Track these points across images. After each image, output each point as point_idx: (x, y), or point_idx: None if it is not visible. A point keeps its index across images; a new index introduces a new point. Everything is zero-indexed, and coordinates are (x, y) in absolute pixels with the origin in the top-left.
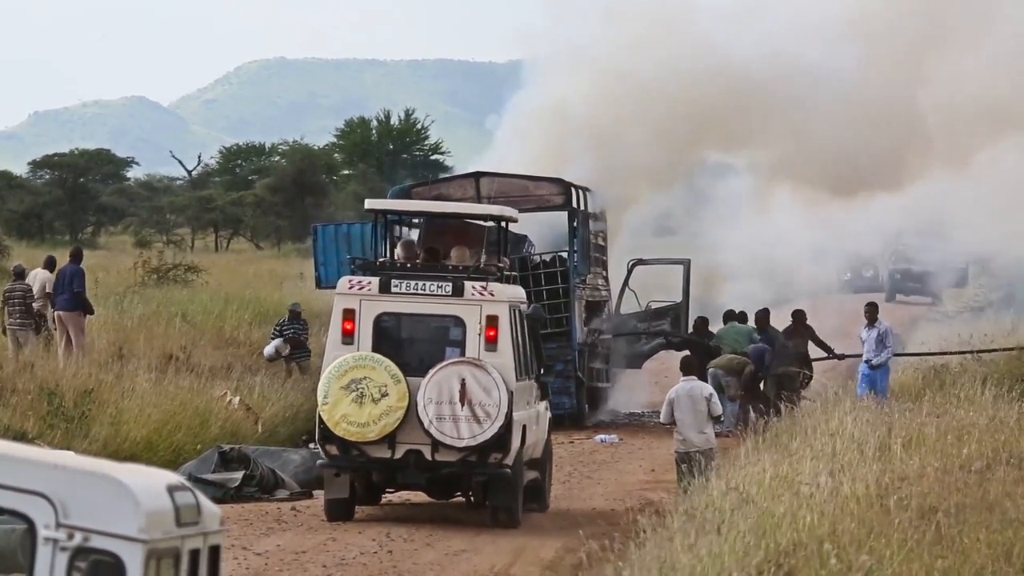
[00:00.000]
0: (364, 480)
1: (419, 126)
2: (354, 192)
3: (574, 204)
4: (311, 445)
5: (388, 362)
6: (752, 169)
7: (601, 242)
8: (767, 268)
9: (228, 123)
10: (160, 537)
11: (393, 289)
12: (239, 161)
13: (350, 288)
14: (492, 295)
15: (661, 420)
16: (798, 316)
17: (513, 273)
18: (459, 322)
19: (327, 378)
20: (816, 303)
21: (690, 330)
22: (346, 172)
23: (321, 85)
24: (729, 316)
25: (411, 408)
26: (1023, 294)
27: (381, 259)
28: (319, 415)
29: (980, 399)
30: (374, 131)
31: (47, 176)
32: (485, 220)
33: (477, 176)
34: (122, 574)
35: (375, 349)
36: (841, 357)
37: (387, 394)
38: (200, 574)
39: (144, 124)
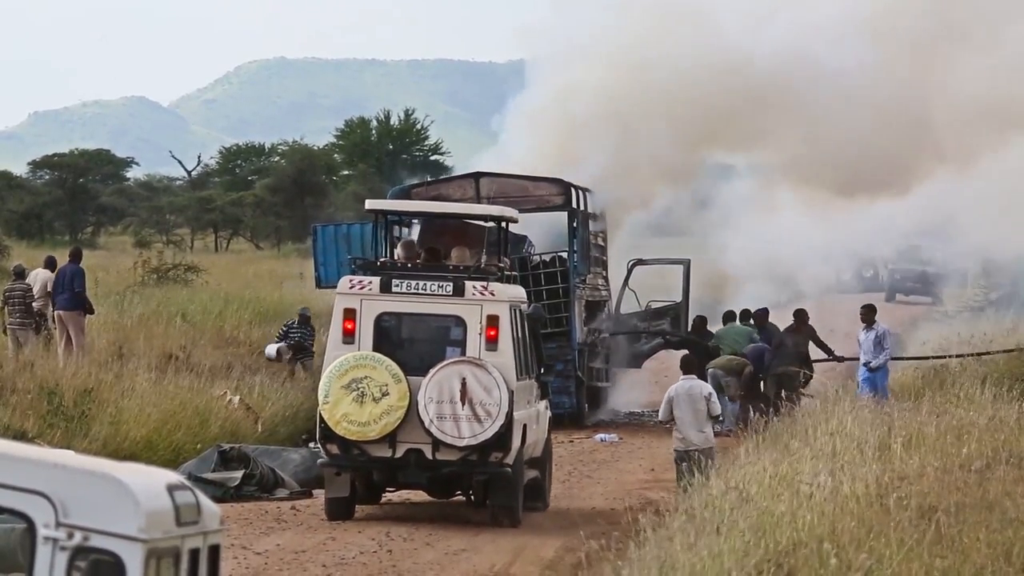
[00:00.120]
0: (365, 479)
1: (419, 126)
2: (354, 192)
3: (574, 204)
4: (311, 444)
5: (389, 361)
6: (761, 168)
7: (601, 242)
8: (775, 269)
9: (228, 123)
10: (160, 536)
11: (394, 289)
12: (239, 161)
13: (351, 288)
14: (493, 295)
15: (659, 418)
16: (800, 315)
17: (513, 273)
18: (460, 322)
19: (328, 377)
20: (825, 304)
21: (689, 330)
22: (346, 172)
23: (321, 85)
24: (728, 317)
25: (412, 407)
26: None
27: (382, 259)
28: (320, 414)
29: (980, 399)
30: (374, 131)
31: (47, 176)
32: (486, 220)
33: (477, 176)
34: (122, 573)
35: (376, 349)
36: (840, 359)
37: (388, 393)
38: (200, 573)
39: (144, 124)
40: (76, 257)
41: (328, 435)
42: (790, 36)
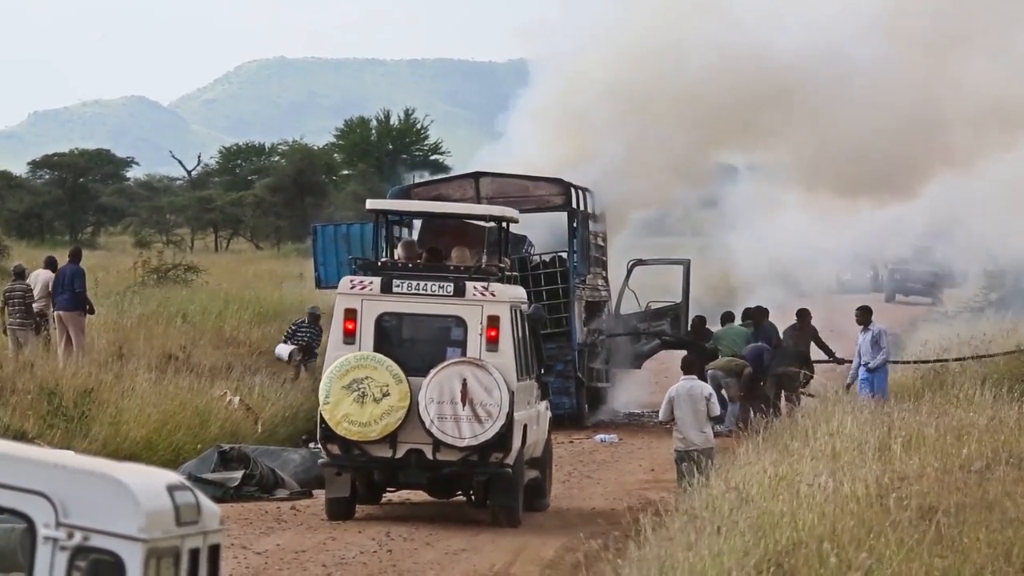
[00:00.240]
0: (365, 479)
1: (419, 126)
2: (354, 192)
3: (574, 204)
4: (311, 444)
5: (389, 362)
6: (770, 168)
7: (601, 242)
8: (784, 271)
9: (228, 123)
10: (160, 536)
11: (394, 289)
12: (239, 161)
13: (352, 288)
14: (493, 295)
15: (660, 418)
16: (803, 315)
17: (514, 273)
18: (460, 322)
19: (329, 378)
20: (835, 305)
21: (688, 331)
22: (346, 172)
23: (321, 85)
24: (727, 317)
25: (412, 408)
26: None
27: (382, 259)
28: (320, 415)
29: (980, 399)
30: (374, 131)
31: (47, 176)
32: (487, 221)
33: (476, 176)
34: (122, 573)
35: (376, 349)
36: (840, 361)
37: (388, 394)
38: (200, 573)
39: (144, 124)
40: (76, 257)
41: (329, 435)
42: (805, 31)
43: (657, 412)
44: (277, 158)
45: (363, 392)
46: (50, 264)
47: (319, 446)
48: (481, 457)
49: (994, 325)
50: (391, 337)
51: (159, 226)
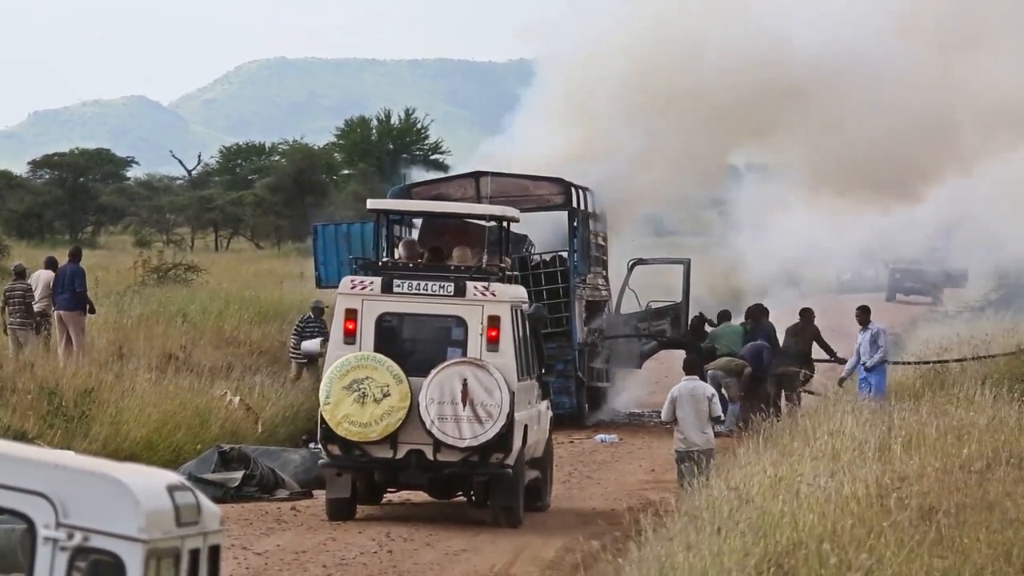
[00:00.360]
0: (366, 480)
1: (419, 126)
2: (354, 192)
3: (574, 204)
4: (311, 445)
5: (390, 362)
6: (780, 168)
7: (601, 242)
8: (794, 271)
9: (228, 123)
10: (160, 537)
11: (395, 289)
12: (239, 161)
13: (352, 288)
14: (494, 295)
15: (662, 418)
16: (806, 314)
17: (514, 273)
18: (461, 322)
19: (329, 378)
20: (847, 306)
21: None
22: (346, 172)
23: (321, 85)
24: (723, 316)
25: (413, 408)
26: None
27: (383, 259)
28: (321, 415)
29: (980, 399)
30: (374, 131)
31: (47, 176)
32: (487, 220)
33: (477, 176)
34: (122, 574)
35: (377, 349)
36: (842, 361)
37: (389, 394)
38: (200, 574)
39: (144, 124)
40: (76, 257)
41: (329, 436)
42: (819, 29)
43: (658, 412)
44: (277, 158)
45: (363, 392)
46: (50, 264)
47: (319, 446)
48: (481, 457)
49: (995, 325)
50: (392, 337)
51: (159, 226)
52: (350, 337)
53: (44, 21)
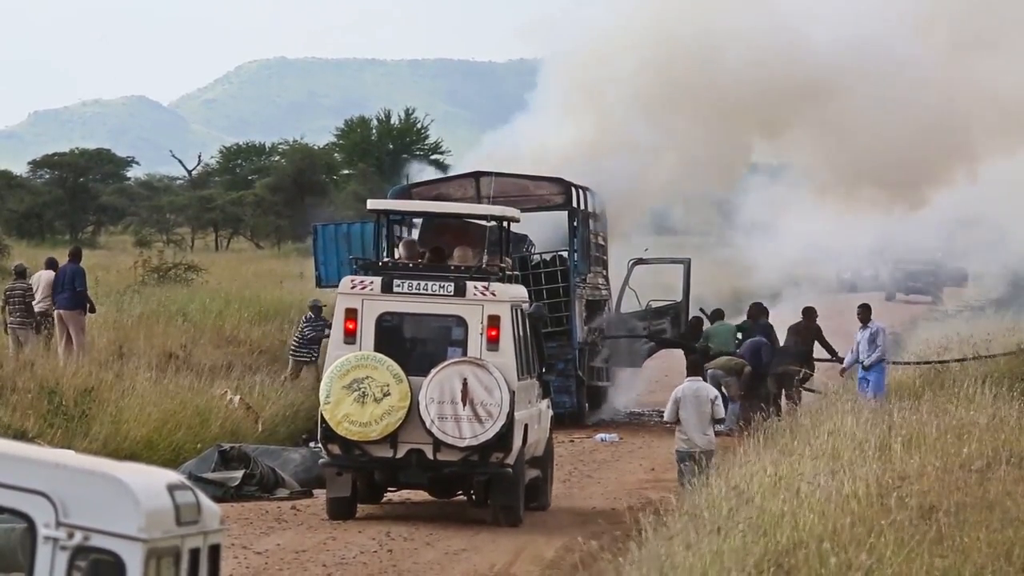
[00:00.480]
0: (366, 479)
1: (419, 126)
2: (354, 192)
3: (574, 204)
4: (311, 444)
5: (390, 362)
6: (786, 168)
7: (601, 241)
8: (805, 271)
9: (228, 123)
10: (160, 536)
11: (395, 289)
12: (239, 161)
13: (352, 288)
14: (494, 295)
15: (665, 418)
16: (808, 313)
17: (514, 273)
18: (461, 322)
19: (329, 378)
20: (852, 305)
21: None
22: (346, 172)
23: (321, 85)
24: (716, 315)
25: (413, 408)
26: None
27: (383, 259)
28: (321, 415)
29: (980, 398)
30: (374, 131)
31: (47, 176)
32: (488, 220)
33: (477, 176)
34: (122, 573)
35: (377, 349)
36: (842, 360)
37: (389, 394)
38: (200, 573)
39: (144, 124)
40: (76, 257)
41: (329, 435)
42: (841, 24)
43: (658, 411)
44: (277, 158)
45: (364, 392)
46: (51, 265)
47: (319, 446)
48: (482, 457)
49: (996, 324)
50: (392, 337)
51: (159, 225)
52: (350, 337)
53: (44, 21)
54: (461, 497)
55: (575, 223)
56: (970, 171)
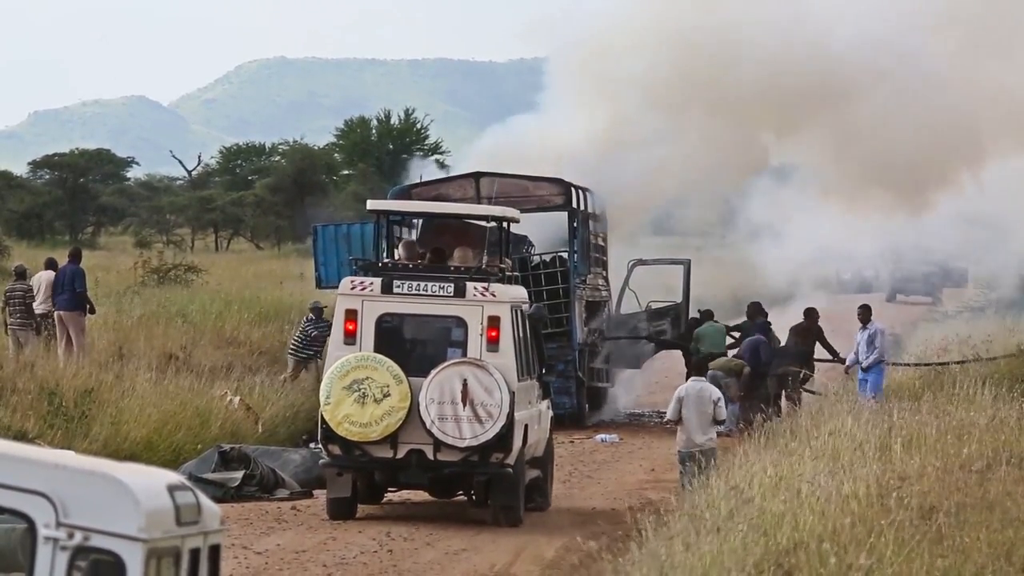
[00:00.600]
0: (366, 480)
1: (419, 126)
2: (354, 192)
3: (574, 204)
4: (311, 445)
5: (390, 362)
6: (795, 168)
7: (601, 242)
8: (817, 272)
9: (228, 123)
10: (160, 536)
11: (395, 290)
12: (239, 161)
13: (352, 289)
14: (494, 296)
15: (668, 416)
16: (810, 314)
17: (514, 273)
18: (461, 323)
19: (329, 378)
20: (880, 308)
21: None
22: (346, 172)
23: (321, 85)
24: (706, 315)
25: (413, 408)
26: None
27: (383, 259)
28: (321, 415)
29: (980, 399)
30: (374, 131)
31: (47, 176)
32: (487, 221)
33: (477, 176)
34: (122, 573)
35: (377, 349)
36: (844, 361)
37: (389, 394)
38: (200, 573)
39: (144, 124)
40: (76, 257)
41: (330, 436)
42: (864, 20)
43: (658, 412)
44: (277, 158)
45: (364, 393)
46: (50, 265)
47: (320, 446)
48: (482, 457)
49: (996, 324)
50: (392, 337)
51: (159, 226)
52: (350, 337)
53: (44, 21)
54: (461, 497)
55: (575, 224)
56: (983, 173)
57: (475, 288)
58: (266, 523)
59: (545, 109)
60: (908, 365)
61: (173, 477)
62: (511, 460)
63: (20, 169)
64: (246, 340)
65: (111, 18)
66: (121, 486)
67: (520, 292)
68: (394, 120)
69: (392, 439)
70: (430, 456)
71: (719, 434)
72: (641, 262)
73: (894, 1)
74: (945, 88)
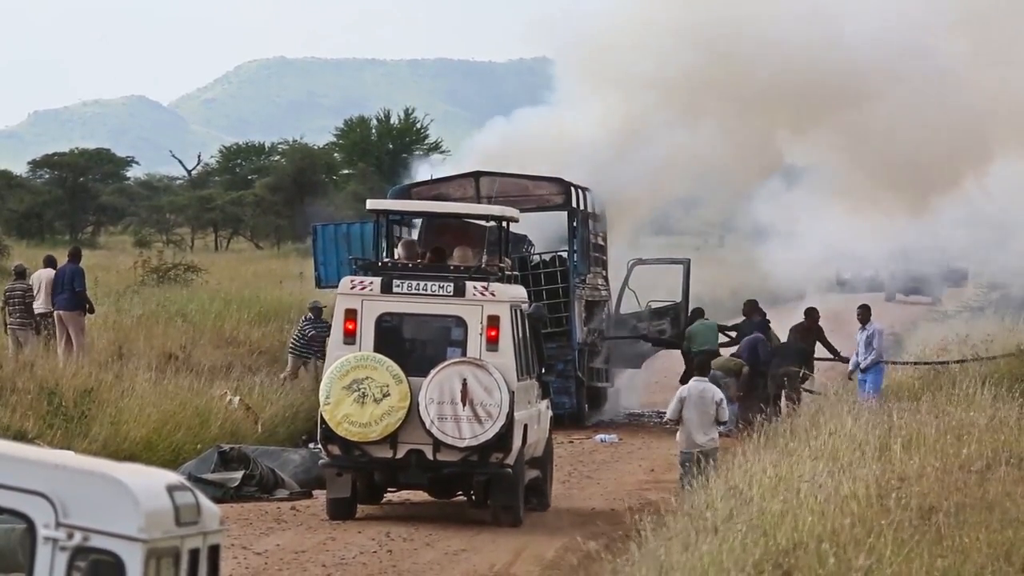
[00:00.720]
0: (366, 480)
1: (419, 125)
2: (354, 192)
3: (574, 204)
4: (311, 445)
5: (390, 362)
6: (805, 168)
7: (601, 242)
8: (829, 273)
9: (228, 123)
10: (160, 536)
11: (395, 289)
12: (239, 161)
13: (352, 288)
14: (493, 295)
15: (668, 416)
16: (811, 314)
17: (514, 273)
18: (460, 322)
19: (329, 378)
20: (880, 308)
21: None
22: (346, 172)
23: (321, 85)
24: (697, 314)
25: (413, 408)
26: None
27: (383, 259)
28: (321, 415)
29: (980, 399)
30: (374, 130)
31: (47, 176)
32: (487, 220)
33: (477, 176)
34: (122, 573)
35: (377, 349)
36: (844, 360)
37: (389, 394)
38: (200, 573)
39: (144, 123)
40: (75, 257)
41: (329, 436)
42: (880, 19)
43: (658, 412)
44: (277, 158)
45: (363, 392)
46: (50, 263)
47: (319, 446)
48: (481, 457)
49: (996, 325)
50: (391, 337)
51: (159, 225)
52: (350, 337)
53: (44, 21)
54: (461, 497)
55: (575, 223)
56: (990, 175)
57: (475, 288)
58: (265, 523)
59: (551, 106)
60: (907, 364)
61: (172, 477)
62: (511, 460)
63: (20, 169)
64: (246, 340)
65: (111, 18)
66: (121, 486)
67: (520, 292)
68: (394, 120)
69: (392, 439)
70: (430, 456)
71: (719, 434)
72: (641, 262)
73: (912, 2)
74: (959, 90)
